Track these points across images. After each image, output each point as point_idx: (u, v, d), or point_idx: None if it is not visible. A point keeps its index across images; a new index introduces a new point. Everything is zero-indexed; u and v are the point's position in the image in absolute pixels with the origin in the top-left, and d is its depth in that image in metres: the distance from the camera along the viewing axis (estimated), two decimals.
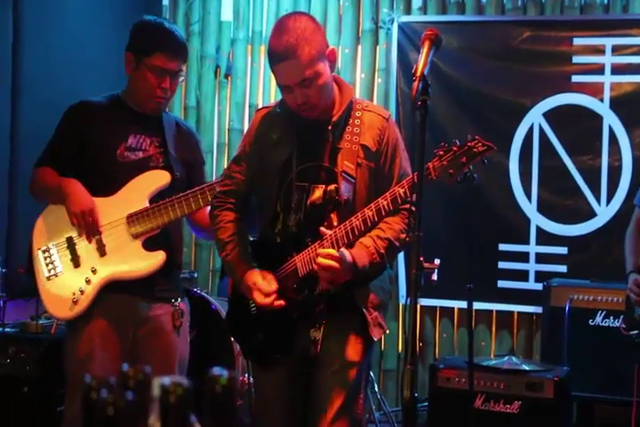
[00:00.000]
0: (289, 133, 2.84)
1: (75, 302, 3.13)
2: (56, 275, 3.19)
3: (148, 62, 3.17)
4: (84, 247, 3.19)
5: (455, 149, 2.52)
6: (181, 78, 3.28)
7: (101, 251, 3.18)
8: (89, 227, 3.15)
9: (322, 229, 2.71)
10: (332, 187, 2.77)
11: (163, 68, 3.17)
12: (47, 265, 3.20)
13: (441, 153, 2.53)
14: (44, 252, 3.22)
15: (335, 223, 2.74)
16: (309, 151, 2.82)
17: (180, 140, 3.34)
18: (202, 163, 3.51)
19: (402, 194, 2.61)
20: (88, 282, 3.15)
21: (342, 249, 2.68)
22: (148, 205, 3.19)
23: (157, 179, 3.23)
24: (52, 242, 3.22)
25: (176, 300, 3.30)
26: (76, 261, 3.18)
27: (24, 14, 4.39)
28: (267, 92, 5.72)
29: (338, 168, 2.77)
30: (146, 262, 3.17)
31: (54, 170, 3.23)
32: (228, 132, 5.82)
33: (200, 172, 3.47)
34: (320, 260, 2.66)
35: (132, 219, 3.18)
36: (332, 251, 2.66)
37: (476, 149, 2.50)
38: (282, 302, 2.78)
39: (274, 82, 5.40)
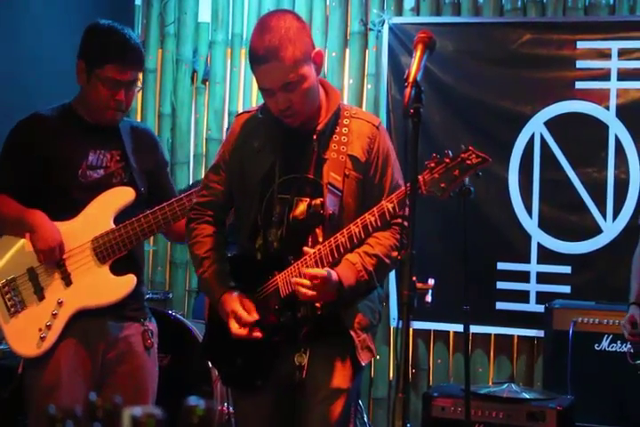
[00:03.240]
0: (271, 141, 2.83)
1: (42, 339, 3.09)
2: (19, 311, 3.14)
3: (99, 74, 3.11)
4: (48, 278, 3.14)
5: (447, 160, 2.50)
6: (137, 88, 3.25)
7: (67, 280, 3.13)
8: (56, 263, 3.13)
9: (305, 248, 2.71)
10: (317, 201, 2.76)
11: (116, 80, 3.12)
12: (8, 301, 3.15)
13: (432, 165, 2.51)
14: (3, 286, 3.16)
15: (320, 239, 2.74)
16: (293, 161, 2.81)
17: (139, 147, 3.31)
18: (165, 164, 3.48)
19: (390, 209, 2.61)
20: (55, 316, 3.10)
21: (327, 268, 2.67)
22: (113, 225, 3.15)
23: (121, 196, 3.20)
24: (11, 275, 3.17)
25: (145, 319, 3.28)
26: (40, 294, 3.13)
27: None
28: (247, 98, 5.72)
29: (323, 180, 2.76)
30: (116, 289, 3.14)
31: (13, 197, 3.15)
32: (205, 141, 5.81)
33: (164, 174, 3.46)
34: (295, 279, 2.67)
35: (98, 242, 3.14)
36: (318, 271, 2.65)
37: (469, 161, 2.49)
38: (259, 335, 2.76)
39: (255, 87, 5.42)
